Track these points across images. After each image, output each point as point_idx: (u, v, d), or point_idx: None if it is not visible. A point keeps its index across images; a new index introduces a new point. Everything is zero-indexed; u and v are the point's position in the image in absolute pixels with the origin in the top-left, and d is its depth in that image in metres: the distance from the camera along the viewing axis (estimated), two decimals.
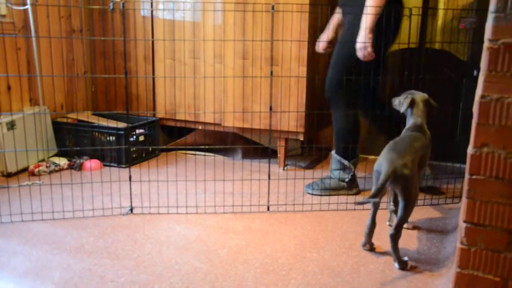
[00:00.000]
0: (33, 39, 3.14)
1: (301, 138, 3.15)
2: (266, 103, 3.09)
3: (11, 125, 2.95)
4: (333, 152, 2.79)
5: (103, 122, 3.33)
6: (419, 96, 2.25)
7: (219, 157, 3.51)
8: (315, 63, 3.11)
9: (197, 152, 3.58)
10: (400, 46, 3.18)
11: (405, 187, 1.88)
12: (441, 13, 3.29)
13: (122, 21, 3.27)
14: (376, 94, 2.78)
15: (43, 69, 3.27)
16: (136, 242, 2.11)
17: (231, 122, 3.24)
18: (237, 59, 3.13)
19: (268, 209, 2.52)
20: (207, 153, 3.56)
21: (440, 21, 3.31)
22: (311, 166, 3.33)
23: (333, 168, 2.78)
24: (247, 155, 3.53)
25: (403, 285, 1.79)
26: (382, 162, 1.92)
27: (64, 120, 3.43)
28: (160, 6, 3.35)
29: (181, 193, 2.72)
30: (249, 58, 3.08)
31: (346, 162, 2.74)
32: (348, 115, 2.67)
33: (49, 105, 3.38)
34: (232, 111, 3.19)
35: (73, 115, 3.49)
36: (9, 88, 3.10)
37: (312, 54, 3.02)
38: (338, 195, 2.74)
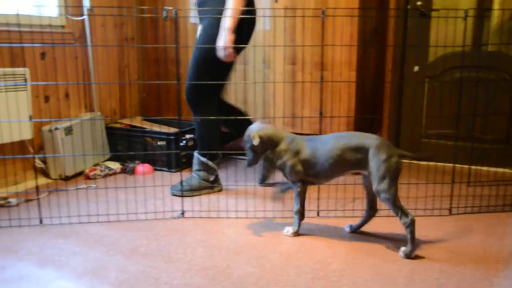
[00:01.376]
0: (89, 48, 3.26)
1: None
2: (315, 108, 3.08)
3: (69, 131, 3.07)
4: (195, 153, 2.82)
5: (154, 127, 3.41)
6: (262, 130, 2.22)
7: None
8: (365, 67, 3.08)
9: (244, 157, 3.60)
10: (455, 49, 3.11)
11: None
12: (496, 13, 3.18)
13: (175, 29, 3.34)
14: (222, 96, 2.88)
15: (97, 77, 3.39)
16: (188, 246, 2.15)
17: (278, 126, 3.25)
18: (286, 64, 3.14)
19: (318, 214, 2.51)
20: None
21: (495, 22, 3.20)
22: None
23: (196, 169, 2.81)
24: None
25: None
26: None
27: (117, 125, 3.54)
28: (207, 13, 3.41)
29: (231, 197, 2.75)
30: (298, 63, 3.08)
31: (210, 163, 2.77)
32: (208, 117, 2.69)
33: (103, 111, 3.50)
34: (280, 116, 3.20)
35: (125, 121, 3.60)
36: (67, 95, 3.23)
37: (361, 59, 2.99)
38: (200, 195, 2.78)
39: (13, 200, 2.61)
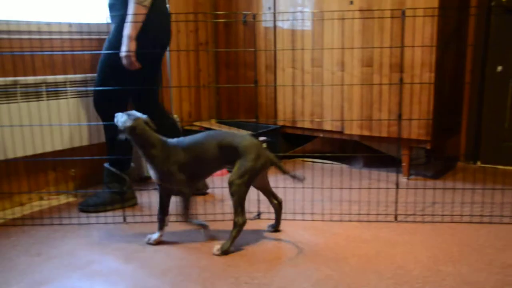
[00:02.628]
0: (168, 53, 3.38)
1: (428, 146, 3.03)
2: (390, 110, 3.02)
3: None
4: (106, 164, 2.65)
5: (227, 130, 3.48)
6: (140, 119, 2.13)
7: (338, 165, 3.49)
8: (444, 68, 2.98)
9: (316, 160, 3.59)
10: None
11: None
12: None
13: (254, 32, 3.41)
14: (153, 104, 2.72)
15: (174, 81, 3.50)
16: (266, 247, 2.17)
17: (354, 130, 3.21)
18: (360, 66, 3.10)
19: (395, 218, 2.46)
20: (325, 161, 3.56)
21: None
22: (437, 176, 3.19)
23: (107, 181, 2.65)
24: (367, 163, 3.47)
25: None
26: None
27: (192, 127, 3.64)
28: (283, 17, 3.43)
29: (306, 200, 2.75)
30: (373, 65, 3.04)
31: (121, 174, 2.63)
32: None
33: (179, 114, 3.60)
34: (355, 119, 3.16)
35: (199, 123, 3.69)
36: None
37: (440, 59, 2.90)
38: (114, 209, 2.63)
39: None
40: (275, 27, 3.47)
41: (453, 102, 3.32)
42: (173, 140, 2.18)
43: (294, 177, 2.16)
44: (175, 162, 2.13)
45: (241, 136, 2.14)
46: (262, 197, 2.72)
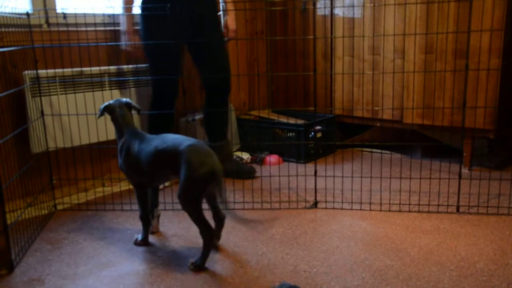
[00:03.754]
0: None
1: (491, 136, 2.90)
2: (453, 99, 2.91)
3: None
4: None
5: (283, 119, 3.47)
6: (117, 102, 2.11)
7: (396, 155, 3.41)
8: (510, 54, 2.84)
9: (374, 149, 3.53)
10: None
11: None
12: None
13: (313, 20, 3.38)
14: None
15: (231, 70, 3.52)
16: (324, 236, 2.16)
17: (413, 118, 3.13)
18: (420, 53, 3.00)
19: (457, 210, 2.38)
20: (384, 151, 3.49)
21: None
22: (500, 166, 3.05)
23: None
24: (426, 154, 3.37)
25: None
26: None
27: (247, 117, 3.66)
28: (341, 3, 3.37)
29: (364, 189, 2.71)
30: (434, 52, 2.93)
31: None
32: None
33: (234, 103, 3.63)
34: (415, 107, 3.07)
35: (254, 112, 3.71)
36: (201, 88, 3.40)
37: (508, 45, 2.76)
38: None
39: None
40: (332, 14, 3.42)
41: None
42: (144, 134, 2.06)
43: (226, 207, 1.90)
44: (128, 157, 2.02)
45: (188, 140, 1.89)
46: (319, 185, 2.71)
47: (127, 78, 2.81)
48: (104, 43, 2.77)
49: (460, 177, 2.40)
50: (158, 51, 2.64)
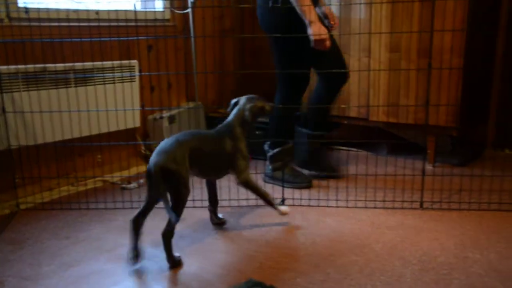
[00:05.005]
0: (192, 39, 3.39)
1: (454, 133, 2.98)
2: (417, 97, 2.98)
3: (172, 120, 3.22)
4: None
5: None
6: (249, 101, 2.21)
7: (363, 152, 3.46)
8: (473, 53, 2.92)
9: (341, 147, 3.57)
10: None
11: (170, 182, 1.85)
12: None
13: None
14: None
15: (198, 68, 3.51)
16: (290, 232, 2.18)
17: (379, 116, 3.18)
18: (386, 52, 3.05)
19: (421, 206, 2.43)
20: (350, 148, 3.53)
21: None
22: (463, 163, 3.13)
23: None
24: (392, 151, 3.43)
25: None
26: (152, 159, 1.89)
27: (216, 114, 3.65)
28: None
29: (330, 186, 2.74)
30: (400, 50, 2.99)
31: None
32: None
33: (203, 101, 3.62)
34: (381, 105, 3.12)
35: (223, 110, 3.70)
36: (170, 86, 3.38)
37: (469, 44, 2.83)
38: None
39: (133, 184, 2.82)
40: None
41: (482, 88, 3.26)
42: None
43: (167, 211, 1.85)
44: None
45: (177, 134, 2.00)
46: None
47: (92, 75, 2.76)
48: (69, 39, 2.72)
49: (423, 174, 2.45)
50: (300, 45, 2.61)
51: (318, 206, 2.48)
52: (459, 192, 2.59)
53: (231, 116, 2.21)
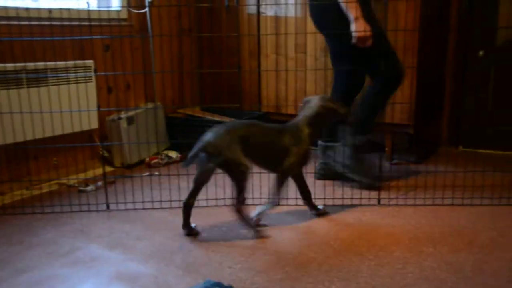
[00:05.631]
0: (150, 39, 3.35)
1: (410, 131, 3.05)
2: None
3: (131, 121, 3.17)
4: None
5: (212, 117, 3.47)
6: (320, 100, 2.21)
7: None
8: (426, 53, 2.99)
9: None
10: None
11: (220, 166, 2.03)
12: None
13: (236, 17, 3.39)
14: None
15: (158, 68, 3.47)
16: (249, 231, 2.18)
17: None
18: None
19: (378, 202, 2.48)
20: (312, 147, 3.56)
21: None
22: (419, 160, 3.22)
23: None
24: None
25: None
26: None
27: (176, 115, 3.62)
28: (266, 2, 3.41)
29: (291, 185, 2.75)
30: None
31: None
32: None
33: (163, 102, 3.58)
34: None
35: (183, 110, 3.68)
36: (128, 86, 3.33)
37: (422, 44, 2.91)
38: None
39: (91, 187, 2.75)
40: (258, 12, 3.45)
41: (435, 87, 3.35)
42: None
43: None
44: None
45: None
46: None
47: (46, 75, 2.68)
48: (19, 38, 2.63)
49: (380, 171, 2.50)
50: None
51: (279, 204, 2.49)
52: (415, 189, 2.65)
53: (299, 115, 2.22)
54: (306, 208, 2.42)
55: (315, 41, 3.25)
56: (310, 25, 3.23)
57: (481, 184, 2.68)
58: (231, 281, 1.74)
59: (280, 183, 2.19)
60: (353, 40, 2.47)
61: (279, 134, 2.16)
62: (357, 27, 2.44)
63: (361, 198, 2.52)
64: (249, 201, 2.35)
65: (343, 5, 2.47)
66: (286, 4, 3.31)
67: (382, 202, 2.48)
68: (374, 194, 2.54)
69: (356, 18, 2.44)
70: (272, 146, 2.14)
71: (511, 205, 2.42)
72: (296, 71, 3.37)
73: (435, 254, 1.92)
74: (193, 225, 2.17)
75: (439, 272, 1.78)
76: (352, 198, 2.52)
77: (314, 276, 1.77)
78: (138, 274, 1.82)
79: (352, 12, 2.45)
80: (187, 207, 2.13)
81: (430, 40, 3.06)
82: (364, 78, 2.74)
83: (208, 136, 2.06)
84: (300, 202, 2.50)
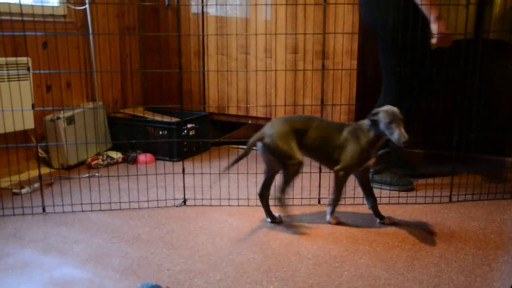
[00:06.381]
0: (91, 36, 3.26)
1: None
2: (316, 97, 3.09)
3: (71, 120, 3.08)
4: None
5: (155, 117, 3.42)
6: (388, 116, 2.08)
7: None
8: (366, 55, 3.08)
9: (242, 146, 3.60)
10: (456, 37, 3.10)
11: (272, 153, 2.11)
12: (498, 1, 3.17)
13: (177, 17, 3.35)
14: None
15: (99, 67, 3.39)
16: (190, 233, 2.16)
17: (281, 115, 3.25)
18: (287, 53, 3.14)
19: (319, 202, 2.52)
20: (254, 147, 3.58)
21: (498, 10, 3.19)
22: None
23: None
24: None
25: (460, 279, 1.76)
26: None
27: (119, 115, 3.55)
28: (212, 2, 3.40)
29: (233, 186, 2.76)
30: (299, 52, 3.08)
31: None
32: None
33: (105, 101, 3.50)
34: (282, 105, 3.20)
35: (127, 110, 3.61)
36: (69, 85, 3.23)
37: (363, 47, 2.99)
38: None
39: (26, 189, 2.64)
40: (203, 12, 3.44)
41: (376, 88, 3.44)
42: None
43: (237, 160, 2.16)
44: None
45: None
46: (190, 183, 2.71)
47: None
48: None
49: (320, 171, 2.55)
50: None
51: (220, 205, 2.49)
52: (354, 188, 2.71)
53: (366, 120, 2.16)
54: (246, 209, 2.43)
55: (258, 42, 3.27)
56: (253, 26, 3.25)
57: (416, 183, 2.79)
58: (170, 283, 1.72)
59: (337, 182, 2.19)
60: (434, 41, 2.47)
61: (337, 130, 2.17)
62: (440, 28, 2.42)
63: (302, 198, 2.55)
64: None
65: (421, 6, 2.43)
66: (230, 4, 3.32)
67: (322, 202, 2.52)
68: (314, 194, 2.59)
69: (438, 18, 2.42)
70: (329, 142, 2.16)
71: (443, 203, 2.52)
72: (238, 72, 3.37)
73: (371, 252, 1.97)
74: (276, 214, 2.27)
75: (374, 269, 1.83)
76: (293, 198, 2.55)
77: (252, 277, 1.78)
78: (73, 278, 1.77)
79: (433, 12, 2.42)
80: (262, 199, 2.25)
81: (370, 43, 3.15)
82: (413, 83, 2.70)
83: (266, 127, 2.15)
84: (242, 202, 2.51)
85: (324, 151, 2.18)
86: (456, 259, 1.91)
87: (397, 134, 2.00)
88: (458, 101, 2.47)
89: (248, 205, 2.49)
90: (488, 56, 2.64)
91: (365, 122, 2.16)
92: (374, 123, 2.10)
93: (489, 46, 2.85)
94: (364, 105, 3.14)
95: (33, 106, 2.44)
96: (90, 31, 3.26)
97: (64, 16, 3.17)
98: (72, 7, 3.17)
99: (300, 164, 2.10)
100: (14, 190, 2.64)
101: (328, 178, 2.81)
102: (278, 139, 2.08)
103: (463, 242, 2.06)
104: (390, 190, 2.70)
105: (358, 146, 2.13)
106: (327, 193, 2.62)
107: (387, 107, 2.09)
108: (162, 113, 3.57)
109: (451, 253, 1.97)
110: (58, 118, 3.02)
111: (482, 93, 2.52)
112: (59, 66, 3.10)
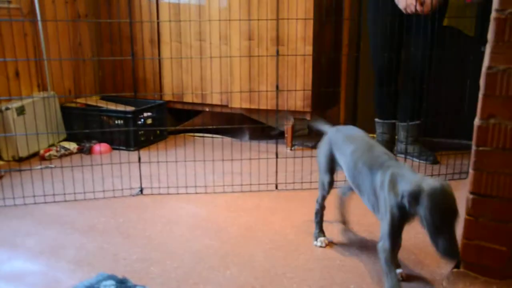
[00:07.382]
0: (39, 23, 3.15)
1: (308, 117, 3.15)
2: (272, 83, 3.09)
3: (21, 111, 2.98)
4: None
5: (111, 106, 3.35)
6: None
7: (227, 139, 3.52)
8: (322, 41, 3.10)
9: (205, 134, 3.60)
10: None
11: None
12: None
13: (128, 3, 3.28)
14: None
15: (50, 55, 3.29)
16: (147, 222, 2.14)
17: (238, 103, 3.25)
18: (243, 40, 3.13)
19: (276, 187, 2.54)
20: (214, 135, 3.58)
21: None
22: (318, 145, 3.33)
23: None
24: (254, 136, 3.54)
25: (410, 258, 1.81)
26: None
27: (73, 105, 3.46)
28: None
29: (190, 174, 2.75)
30: (255, 38, 3.08)
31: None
32: None
33: (57, 90, 3.40)
34: (238, 92, 3.19)
35: (81, 100, 3.52)
36: (17, 73, 3.12)
37: (318, 33, 3.01)
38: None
39: None
40: None
41: (332, 74, 3.48)
42: None
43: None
44: None
45: None
46: (147, 172, 2.67)
47: None
48: None
49: (276, 157, 2.56)
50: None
51: (178, 193, 2.48)
52: (311, 173, 2.75)
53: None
54: (203, 196, 2.43)
55: (213, 29, 3.24)
56: (211, 13, 3.22)
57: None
58: (126, 273, 1.71)
59: (383, 267, 1.55)
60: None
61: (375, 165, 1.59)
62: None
63: (259, 184, 2.57)
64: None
65: None
66: None
67: (279, 187, 2.55)
68: (272, 179, 2.60)
69: None
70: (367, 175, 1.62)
71: None
72: (194, 59, 3.34)
73: (327, 234, 2.01)
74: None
75: (329, 251, 1.87)
76: (250, 185, 2.56)
77: (209, 263, 1.78)
78: (24, 272, 1.73)
79: None
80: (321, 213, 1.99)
81: (326, 30, 3.17)
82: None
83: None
84: (200, 190, 2.50)
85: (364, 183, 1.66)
86: (408, 238, 1.96)
87: (443, 246, 1.31)
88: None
89: (206, 193, 2.48)
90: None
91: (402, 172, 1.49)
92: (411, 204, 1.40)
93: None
94: (320, 90, 3.18)
95: None
96: (39, 17, 3.15)
97: (9, 1, 3.04)
98: None
99: (324, 180, 1.95)
100: None
101: (286, 163, 2.84)
102: (318, 151, 2.00)
103: None
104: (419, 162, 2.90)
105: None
106: (285, 178, 2.64)
107: (435, 186, 1.35)
108: (119, 102, 3.50)
109: (405, 232, 2.02)
110: (7, 108, 2.92)
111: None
112: (4, 54, 2.99)
